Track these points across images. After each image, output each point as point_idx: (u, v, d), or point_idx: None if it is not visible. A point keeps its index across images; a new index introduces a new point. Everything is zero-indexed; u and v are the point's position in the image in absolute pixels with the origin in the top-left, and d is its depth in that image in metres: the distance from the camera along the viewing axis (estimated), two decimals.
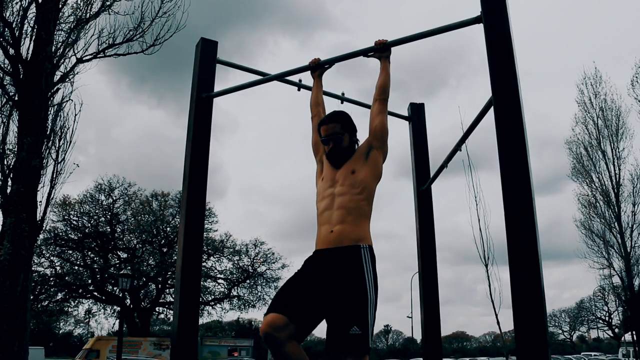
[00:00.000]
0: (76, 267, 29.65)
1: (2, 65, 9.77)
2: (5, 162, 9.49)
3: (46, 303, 29.16)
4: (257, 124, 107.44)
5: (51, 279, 28.56)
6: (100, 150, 70.37)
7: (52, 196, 9.77)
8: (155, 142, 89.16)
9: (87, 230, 29.63)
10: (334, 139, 2.77)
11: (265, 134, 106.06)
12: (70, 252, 30.03)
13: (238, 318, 51.67)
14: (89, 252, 30.51)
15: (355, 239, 2.54)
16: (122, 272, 17.25)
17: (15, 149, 9.47)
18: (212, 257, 32.41)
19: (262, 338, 2.40)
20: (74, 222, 29.61)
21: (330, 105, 3.28)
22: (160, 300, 32.28)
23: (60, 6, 10.17)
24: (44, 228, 10.29)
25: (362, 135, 2.95)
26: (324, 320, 2.49)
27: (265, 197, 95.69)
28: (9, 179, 9.43)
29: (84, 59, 10.55)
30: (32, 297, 20.91)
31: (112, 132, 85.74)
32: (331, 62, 3.24)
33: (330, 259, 2.52)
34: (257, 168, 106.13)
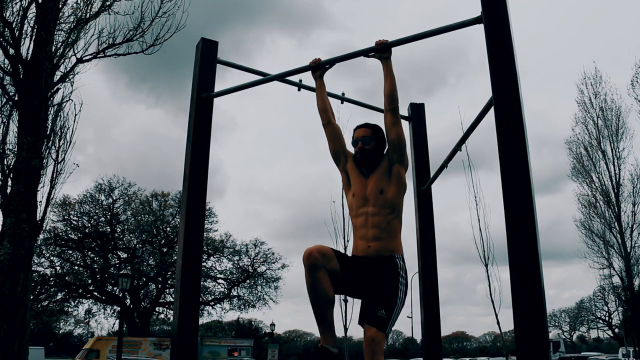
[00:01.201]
0: (76, 267, 29.66)
1: (2, 65, 9.77)
2: (5, 162, 9.49)
3: (46, 303, 29.18)
4: (256, 124, 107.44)
5: (51, 279, 28.57)
6: (99, 150, 70.38)
7: (52, 196, 9.77)
8: (154, 141, 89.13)
9: (87, 230, 29.64)
10: (363, 139, 3.01)
11: (264, 134, 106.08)
12: (70, 252, 30.04)
13: (238, 318, 51.59)
14: (89, 252, 30.52)
15: (391, 250, 2.88)
16: (122, 272, 17.25)
17: (15, 149, 9.47)
18: (212, 257, 32.42)
19: (305, 257, 2.67)
20: (74, 222, 29.63)
21: (331, 106, 3.28)
22: (160, 300, 32.28)
23: (60, 6, 10.17)
24: (44, 228, 10.29)
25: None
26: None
27: (265, 196, 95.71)
28: (9, 179, 9.43)
29: (84, 59, 10.55)
30: (32, 297, 20.92)
31: (111, 132, 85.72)
32: (332, 62, 3.23)
33: (370, 263, 2.86)
34: (256, 168, 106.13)
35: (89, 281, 29.60)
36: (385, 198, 2.91)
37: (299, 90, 3.62)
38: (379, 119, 3.08)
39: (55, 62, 10.00)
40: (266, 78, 3.48)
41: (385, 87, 2.97)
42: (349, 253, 3.01)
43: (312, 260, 2.65)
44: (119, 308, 27.17)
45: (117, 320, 26.87)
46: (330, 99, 3.40)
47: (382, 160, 3.01)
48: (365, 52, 3.08)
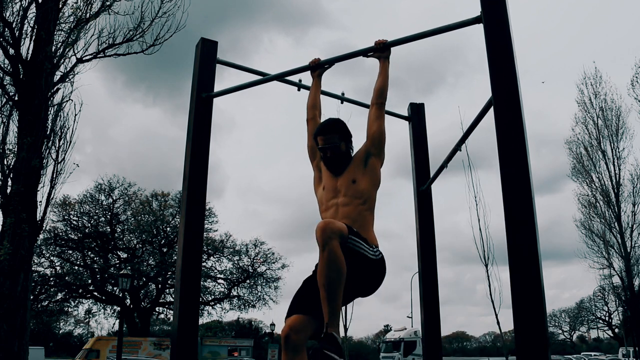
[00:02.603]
0: (76, 267, 29.67)
1: (2, 65, 9.77)
2: (5, 162, 9.49)
3: (46, 303, 29.19)
4: (254, 123, 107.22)
5: (51, 279, 28.58)
6: (97, 150, 70.26)
7: (52, 196, 9.77)
8: (152, 140, 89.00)
9: (87, 230, 29.65)
10: (332, 148, 2.83)
11: (263, 133, 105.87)
12: (70, 252, 30.04)
13: (238, 318, 51.66)
14: (89, 252, 30.53)
15: None
16: (122, 272, 17.26)
17: (15, 149, 9.47)
18: (212, 257, 32.43)
19: (283, 340, 2.48)
20: (74, 222, 29.63)
21: (331, 105, 3.28)
22: (160, 300, 32.30)
23: (60, 6, 10.17)
24: (44, 228, 10.30)
25: (359, 137, 2.96)
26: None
27: (264, 196, 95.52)
28: (9, 179, 9.43)
29: (84, 59, 10.55)
30: (32, 297, 20.92)
31: (108, 131, 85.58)
32: (331, 62, 3.23)
33: None
34: (255, 167, 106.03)
35: (89, 281, 29.61)
36: (357, 188, 2.77)
37: (298, 90, 3.61)
38: None
39: (55, 62, 10.00)
40: (266, 78, 3.48)
41: (378, 82, 2.96)
42: None
43: (290, 344, 2.45)
44: (119, 308, 27.17)
45: (117, 320, 26.87)
46: (330, 99, 3.40)
47: (353, 157, 2.89)
48: (364, 52, 3.07)
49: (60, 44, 10.15)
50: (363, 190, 2.77)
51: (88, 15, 10.39)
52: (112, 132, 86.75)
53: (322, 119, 3.20)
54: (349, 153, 2.90)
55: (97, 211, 30.15)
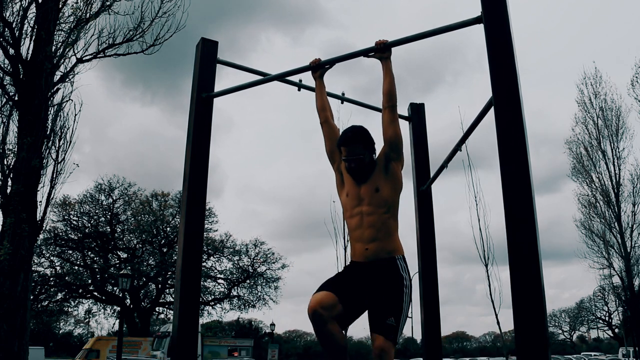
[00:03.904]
0: (76, 267, 29.68)
1: (2, 65, 9.77)
2: (5, 162, 9.49)
3: (46, 303, 29.20)
4: (253, 123, 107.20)
5: (51, 279, 28.59)
6: (95, 149, 70.17)
7: (52, 196, 9.77)
8: (150, 140, 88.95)
9: (87, 230, 29.65)
10: (357, 160, 2.85)
11: (262, 133, 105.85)
12: (70, 252, 30.05)
13: (238, 318, 51.59)
14: (89, 252, 30.54)
15: (390, 252, 2.81)
16: (122, 272, 17.25)
17: (15, 149, 9.47)
18: (212, 257, 32.43)
19: (310, 315, 2.60)
20: (74, 222, 29.64)
21: (331, 106, 3.27)
22: (160, 300, 32.30)
23: (60, 6, 10.17)
24: (44, 228, 10.29)
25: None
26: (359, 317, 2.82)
27: (263, 196, 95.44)
28: (9, 179, 9.43)
29: (84, 59, 10.55)
30: (32, 297, 20.91)
31: (107, 131, 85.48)
32: (332, 62, 3.22)
33: (370, 268, 2.79)
34: (254, 167, 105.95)
35: (89, 281, 29.62)
36: (381, 196, 2.82)
37: (299, 90, 3.61)
38: (378, 118, 3.06)
39: (55, 62, 10.00)
40: (266, 78, 3.48)
41: (385, 85, 2.95)
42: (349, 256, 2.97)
43: (317, 317, 2.58)
44: (119, 308, 27.17)
45: (117, 320, 26.87)
46: (330, 99, 3.40)
47: (376, 163, 2.91)
48: (365, 52, 3.07)
49: (60, 44, 10.15)
50: (386, 198, 2.83)
51: (88, 15, 10.39)
52: (111, 132, 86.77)
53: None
54: (373, 160, 2.92)
55: (97, 211, 30.17)
